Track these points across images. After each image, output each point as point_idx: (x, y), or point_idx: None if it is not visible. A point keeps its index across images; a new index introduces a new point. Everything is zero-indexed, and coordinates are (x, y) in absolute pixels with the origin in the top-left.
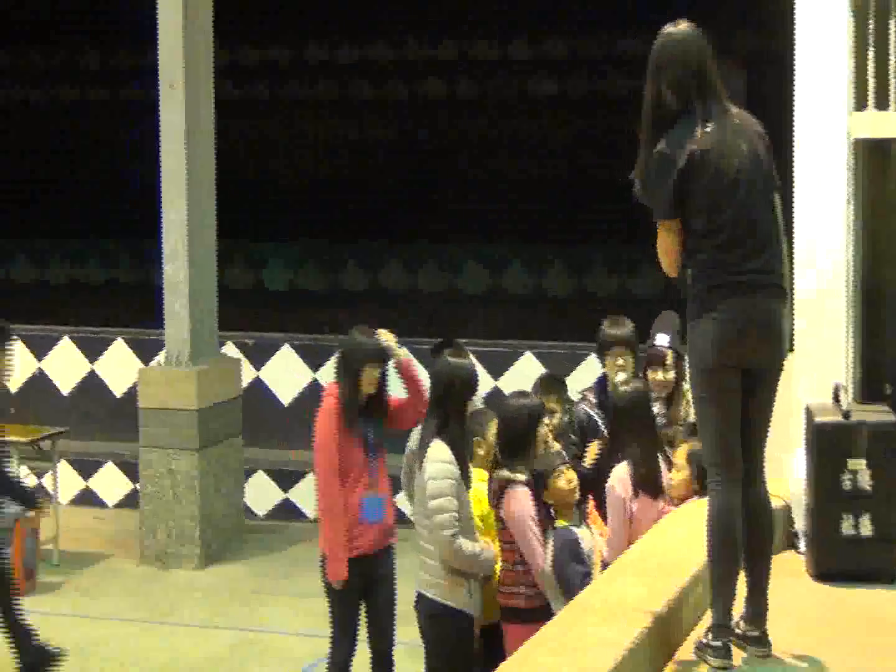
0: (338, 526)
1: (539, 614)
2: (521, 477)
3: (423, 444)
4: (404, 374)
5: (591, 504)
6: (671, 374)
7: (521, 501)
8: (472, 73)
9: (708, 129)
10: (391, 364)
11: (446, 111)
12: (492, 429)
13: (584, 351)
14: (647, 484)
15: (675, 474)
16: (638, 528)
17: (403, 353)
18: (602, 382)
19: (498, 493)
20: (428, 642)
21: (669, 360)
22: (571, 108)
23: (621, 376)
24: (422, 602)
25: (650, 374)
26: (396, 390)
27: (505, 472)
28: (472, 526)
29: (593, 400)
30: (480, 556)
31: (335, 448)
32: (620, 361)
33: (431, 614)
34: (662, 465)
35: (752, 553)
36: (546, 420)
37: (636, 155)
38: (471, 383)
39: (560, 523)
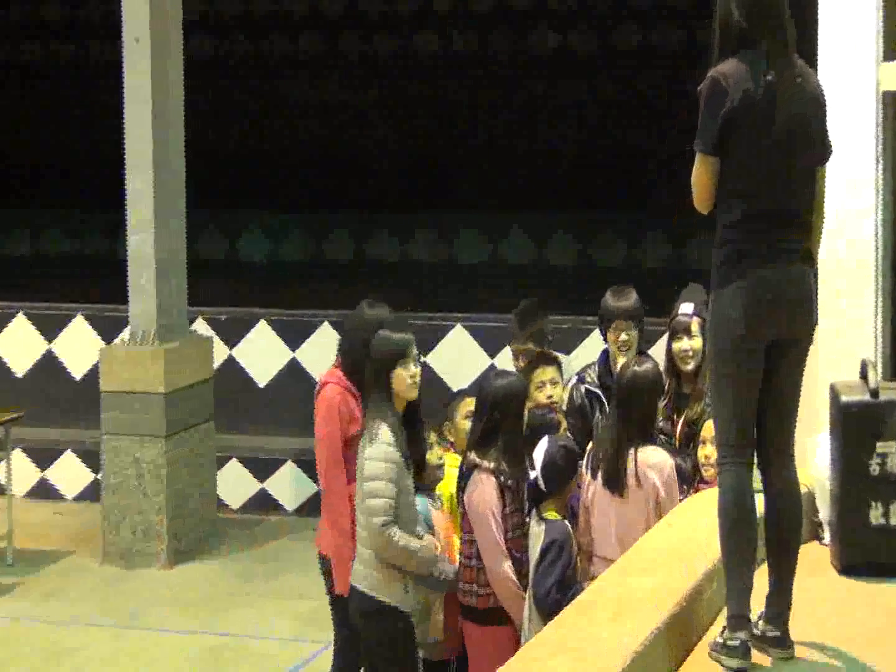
0: (345, 526)
1: (495, 615)
2: (489, 464)
3: (367, 426)
4: None
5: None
6: (697, 342)
7: (485, 491)
8: (468, 26)
9: (769, 78)
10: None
11: (441, 67)
12: (462, 410)
13: (589, 326)
14: (610, 478)
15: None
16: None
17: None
18: (605, 358)
19: (465, 477)
20: (364, 642)
21: (695, 328)
22: (576, 64)
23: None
24: (354, 596)
25: (674, 344)
26: None
27: (472, 456)
28: (413, 516)
29: (594, 377)
30: (418, 552)
31: (340, 440)
32: (623, 336)
33: (365, 612)
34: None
35: (778, 546)
36: (549, 391)
37: (647, 115)
38: (395, 349)
39: (551, 515)
